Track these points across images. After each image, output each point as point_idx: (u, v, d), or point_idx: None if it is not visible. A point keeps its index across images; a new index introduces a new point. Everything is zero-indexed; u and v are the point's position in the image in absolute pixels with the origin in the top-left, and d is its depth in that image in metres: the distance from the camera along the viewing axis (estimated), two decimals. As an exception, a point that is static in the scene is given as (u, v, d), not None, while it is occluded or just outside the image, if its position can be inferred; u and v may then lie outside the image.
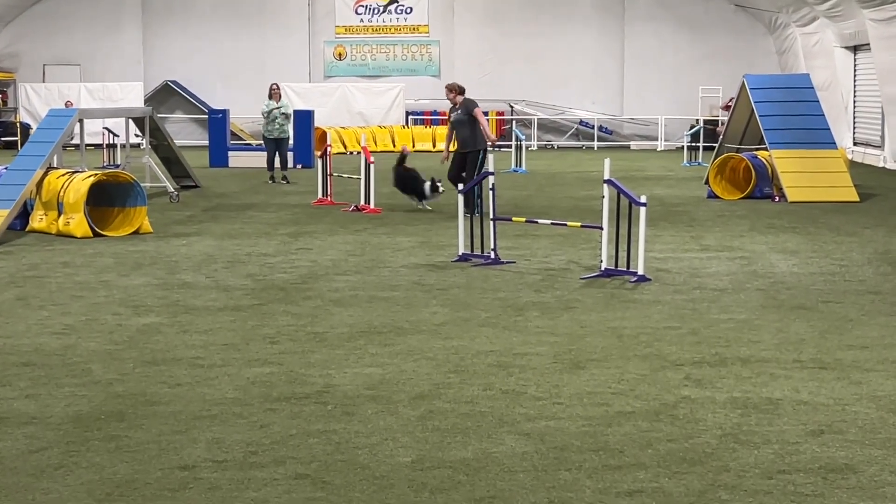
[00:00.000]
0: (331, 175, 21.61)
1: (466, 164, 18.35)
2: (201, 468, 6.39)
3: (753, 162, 22.17)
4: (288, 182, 25.86)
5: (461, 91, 18.83)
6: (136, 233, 16.82)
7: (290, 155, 27.57)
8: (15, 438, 6.95)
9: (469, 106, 18.61)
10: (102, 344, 9.63)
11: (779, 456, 6.58)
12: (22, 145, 34.04)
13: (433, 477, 6.23)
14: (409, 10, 43.92)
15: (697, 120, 38.37)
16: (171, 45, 43.64)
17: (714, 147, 26.63)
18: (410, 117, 42.53)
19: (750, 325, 10.33)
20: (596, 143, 42.93)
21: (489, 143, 18.46)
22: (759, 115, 22.68)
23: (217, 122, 32.56)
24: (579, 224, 15.13)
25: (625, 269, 12.85)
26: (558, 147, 43.48)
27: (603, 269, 12.98)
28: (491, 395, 7.95)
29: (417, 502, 5.85)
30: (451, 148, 19.27)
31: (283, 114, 26.59)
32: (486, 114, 18.77)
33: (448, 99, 18.90)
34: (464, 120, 18.52)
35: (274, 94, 26.79)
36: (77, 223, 16.42)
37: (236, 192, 23.92)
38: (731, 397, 7.88)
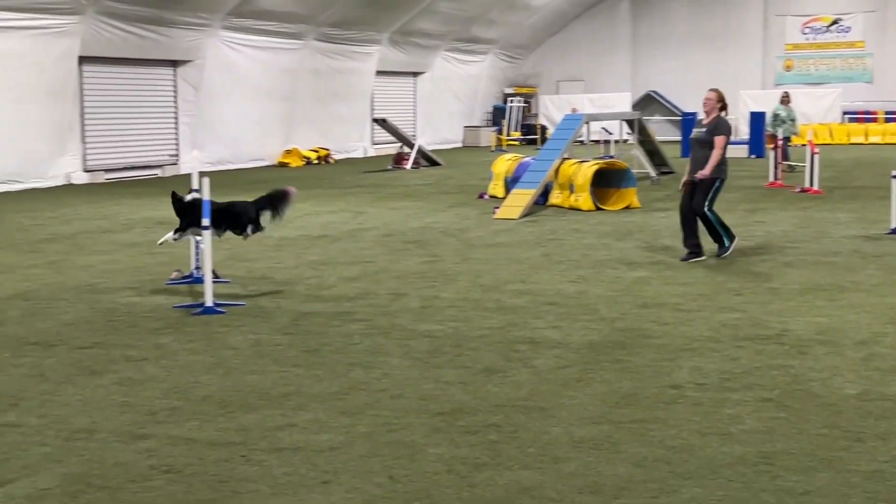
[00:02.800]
0: (780, 163, 20.82)
1: (695, 192, 11.61)
2: (686, 388, 6.39)
3: None
4: (793, 170, 23.35)
5: (722, 104, 11.62)
6: (627, 208, 16.98)
7: (744, 148, 26.53)
8: (546, 357, 7.25)
9: (719, 129, 11.47)
10: (605, 290, 9.82)
11: None
12: (540, 143, 35.22)
13: (876, 407, 5.90)
14: (847, 29, 41.28)
15: None
16: (653, 63, 43.50)
17: None
18: (846, 116, 40.14)
19: None
20: None
21: (700, 176, 11.49)
22: None
23: (688, 123, 32.15)
24: None
25: None
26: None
27: None
28: (924, 344, 7.42)
29: (864, 426, 5.57)
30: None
31: (790, 118, 24.40)
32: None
33: (705, 106, 11.61)
34: (705, 140, 11.52)
35: (784, 100, 25.11)
36: (584, 200, 16.80)
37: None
38: None
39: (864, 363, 6.88)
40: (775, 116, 24.80)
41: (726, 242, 11.72)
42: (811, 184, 19.19)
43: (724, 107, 11.63)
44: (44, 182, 22.75)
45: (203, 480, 4.92)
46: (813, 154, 19.11)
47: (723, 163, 11.53)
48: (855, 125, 39.55)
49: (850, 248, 12.24)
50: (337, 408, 6.07)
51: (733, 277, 10.36)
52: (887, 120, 39.09)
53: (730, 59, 42.22)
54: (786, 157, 24.08)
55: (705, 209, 11.56)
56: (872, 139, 38.18)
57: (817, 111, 39.26)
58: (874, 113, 40.22)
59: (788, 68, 42.44)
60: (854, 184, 20.95)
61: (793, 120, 24.62)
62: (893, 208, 13.30)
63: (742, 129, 36.68)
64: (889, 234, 13.17)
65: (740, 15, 42.54)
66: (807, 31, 42.07)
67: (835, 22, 41.64)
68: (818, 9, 41.78)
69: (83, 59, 23.74)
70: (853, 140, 38.37)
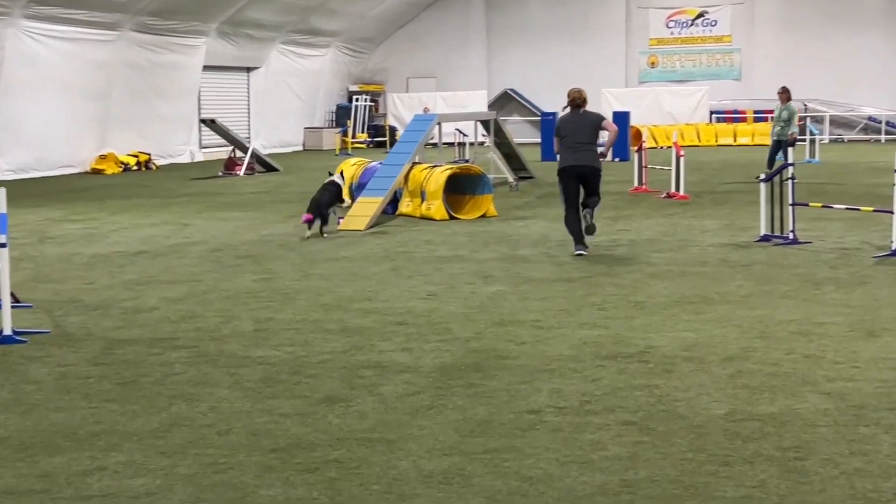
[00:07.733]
0: (645, 167, 21.42)
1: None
2: (545, 413, 6.48)
3: None
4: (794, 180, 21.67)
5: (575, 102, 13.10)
6: (483, 216, 17.16)
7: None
8: (395, 383, 7.23)
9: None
10: (459, 308, 9.88)
11: None
12: (389, 145, 35.36)
13: (744, 427, 6.10)
14: (714, 23, 42.92)
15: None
16: (509, 58, 44.24)
17: None
18: (714, 116, 41.64)
19: None
20: (883, 137, 40.72)
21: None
22: None
23: (547, 123, 32.87)
24: (871, 209, 14.42)
25: (914, 248, 12.18)
26: (848, 140, 41.46)
27: (894, 248, 12.34)
28: (793, 358, 7.71)
29: (731, 449, 5.75)
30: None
31: (782, 118, 21.60)
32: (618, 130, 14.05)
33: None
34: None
35: (780, 97, 21.90)
36: (437, 208, 16.90)
37: (565, 182, 23.97)
38: None
39: (732, 380, 7.12)
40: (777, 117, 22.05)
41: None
42: (677, 189, 19.79)
43: (575, 102, 13.09)
44: None
45: (-3, 537, 4.72)
46: (679, 157, 19.72)
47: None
48: (723, 125, 41.08)
49: (718, 257, 12.67)
50: (155, 447, 5.93)
51: (596, 290, 10.58)
52: (756, 120, 40.70)
53: (591, 55, 43.24)
54: (770, 164, 21.09)
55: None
56: (741, 140, 39.71)
57: (684, 110, 40.62)
58: (743, 112, 41.85)
59: (653, 65, 43.79)
60: (722, 188, 21.71)
61: (787, 121, 21.59)
62: (763, 214, 13.84)
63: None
64: (758, 241, 13.69)
65: (601, 6, 43.62)
66: (672, 24, 43.51)
67: (701, 15, 43.21)
68: (683, 1, 43.24)
69: None
70: (721, 141, 39.86)
